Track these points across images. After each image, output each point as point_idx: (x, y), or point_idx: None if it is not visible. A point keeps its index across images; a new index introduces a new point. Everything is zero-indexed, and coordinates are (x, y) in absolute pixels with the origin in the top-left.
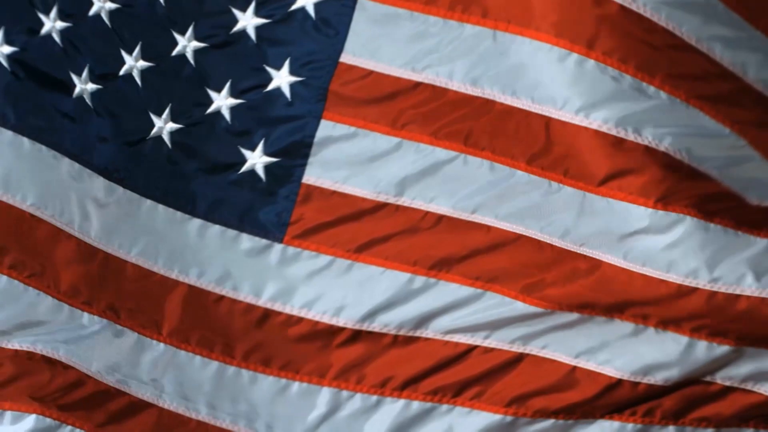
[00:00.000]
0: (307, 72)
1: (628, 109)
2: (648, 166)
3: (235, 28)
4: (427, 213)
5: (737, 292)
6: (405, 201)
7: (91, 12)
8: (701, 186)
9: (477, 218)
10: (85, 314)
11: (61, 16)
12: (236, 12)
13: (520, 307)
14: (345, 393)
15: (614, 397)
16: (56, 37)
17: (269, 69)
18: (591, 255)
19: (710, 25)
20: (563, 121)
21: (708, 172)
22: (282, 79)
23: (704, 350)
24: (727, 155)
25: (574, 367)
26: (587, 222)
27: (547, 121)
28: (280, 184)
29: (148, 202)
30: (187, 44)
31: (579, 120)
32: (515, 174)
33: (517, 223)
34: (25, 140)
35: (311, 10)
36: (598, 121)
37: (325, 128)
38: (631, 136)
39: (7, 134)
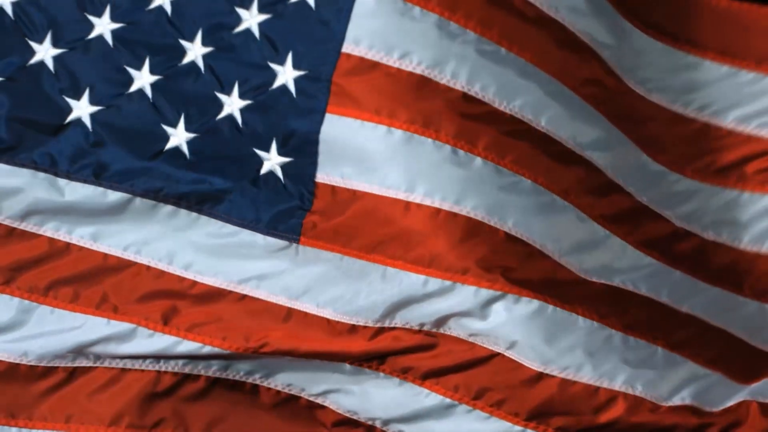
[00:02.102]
0: (310, 65)
1: None
2: None
3: (240, 28)
4: (440, 210)
5: None
6: (416, 197)
7: (91, 35)
8: None
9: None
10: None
11: (55, 43)
12: (240, 11)
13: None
14: (368, 371)
15: (640, 418)
16: (49, 64)
17: (273, 66)
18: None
19: None
20: None
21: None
22: (287, 75)
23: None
24: None
25: (597, 388)
26: None
27: None
28: (296, 183)
29: (168, 207)
30: (196, 51)
31: None
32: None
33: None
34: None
35: (312, 2)
36: None
37: (331, 122)
38: None
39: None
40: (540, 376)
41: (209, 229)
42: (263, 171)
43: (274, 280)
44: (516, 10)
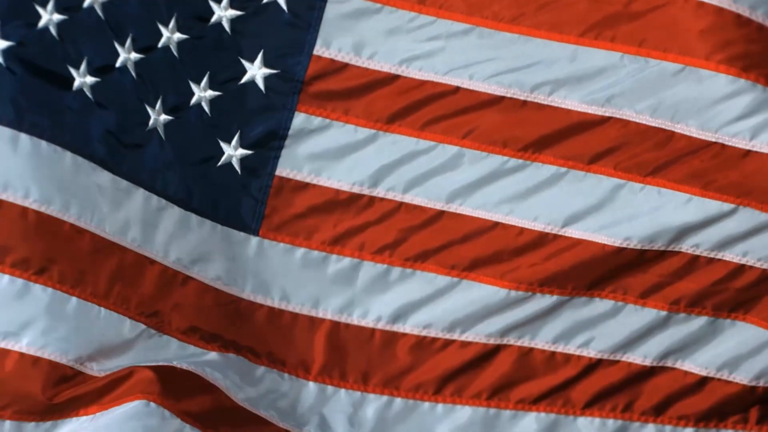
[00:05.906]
0: (282, 65)
1: None
2: None
3: (212, 20)
4: (401, 204)
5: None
6: (379, 192)
7: (85, 4)
8: None
9: (452, 207)
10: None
11: (58, 8)
12: (212, 4)
13: (495, 292)
14: (330, 388)
15: (595, 382)
16: (53, 30)
17: (244, 61)
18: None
19: None
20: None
21: None
22: (256, 71)
23: (682, 321)
24: None
25: (553, 353)
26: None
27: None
28: (253, 177)
29: (141, 191)
30: (171, 36)
31: None
32: (504, 160)
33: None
34: (23, 136)
35: (283, 4)
36: None
37: (300, 120)
38: None
39: (4, 131)
40: (497, 349)
41: (170, 215)
42: (221, 162)
43: (232, 272)
44: None
